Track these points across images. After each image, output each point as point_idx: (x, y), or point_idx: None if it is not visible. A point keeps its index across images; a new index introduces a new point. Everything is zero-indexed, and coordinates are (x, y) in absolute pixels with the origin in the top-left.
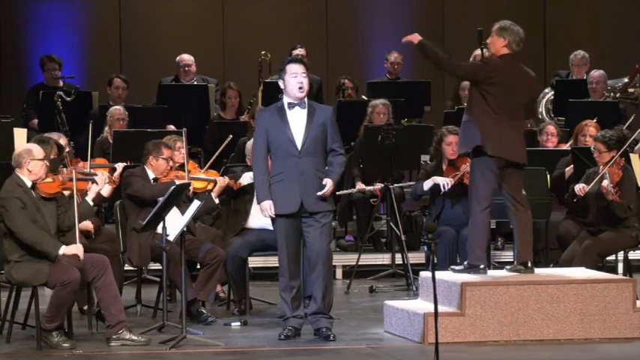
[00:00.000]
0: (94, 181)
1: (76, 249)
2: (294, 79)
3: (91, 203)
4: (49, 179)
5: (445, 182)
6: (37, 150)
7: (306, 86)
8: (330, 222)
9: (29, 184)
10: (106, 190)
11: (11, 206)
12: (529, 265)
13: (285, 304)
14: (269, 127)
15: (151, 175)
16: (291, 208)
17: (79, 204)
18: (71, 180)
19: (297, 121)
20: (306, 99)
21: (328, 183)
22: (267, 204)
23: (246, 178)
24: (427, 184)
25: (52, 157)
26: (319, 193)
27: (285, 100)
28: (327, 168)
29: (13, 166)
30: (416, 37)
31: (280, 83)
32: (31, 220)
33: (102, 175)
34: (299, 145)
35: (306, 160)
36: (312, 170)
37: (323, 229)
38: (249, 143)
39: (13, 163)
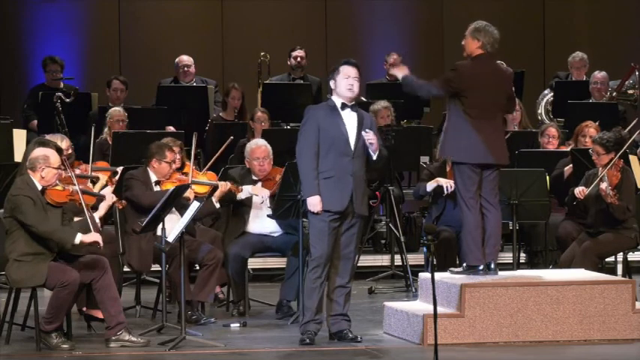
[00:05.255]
0: (102, 198)
1: (94, 236)
2: (346, 81)
3: (98, 221)
4: (59, 187)
5: (448, 184)
6: (54, 158)
7: (356, 89)
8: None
9: (39, 187)
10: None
11: (23, 203)
12: (492, 266)
13: (310, 304)
14: (321, 124)
15: (153, 178)
16: (341, 206)
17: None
18: (83, 193)
19: (350, 122)
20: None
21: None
22: (316, 199)
23: (245, 193)
24: (430, 186)
25: None
26: (366, 134)
27: (337, 100)
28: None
29: (27, 167)
30: (401, 71)
31: (331, 84)
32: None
33: (109, 195)
34: (353, 145)
35: (357, 161)
36: (361, 172)
37: (357, 233)
38: (249, 145)
39: (28, 164)
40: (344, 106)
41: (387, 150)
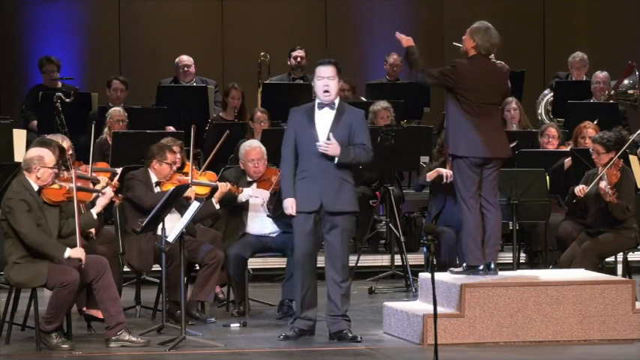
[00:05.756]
0: (101, 193)
1: (80, 252)
2: (320, 82)
3: (95, 217)
4: (55, 186)
5: (448, 173)
6: (49, 158)
7: (332, 89)
8: (352, 224)
9: (36, 188)
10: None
11: (17, 208)
12: (492, 266)
13: (295, 303)
14: (297, 127)
15: (154, 179)
16: (311, 206)
17: (82, 214)
18: (79, 190)
19: (324, 120)
20: (337, 101)
21: (334, 143)
22: (289, 202)
23: (245, 196)
24: (430, 175)
25: None
26: (318, 144)
27: (317, 100)
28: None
29: (23, 168)
30: (407, 42)
31: (313, 84)
32: (36, 224)
33: (108, 190)
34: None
35: (328, 159)
36: (333, 170)
37: (343, 231)
38: (242, 147)
39: (23, 165)
40: (321, 105)
41: (384, 150)
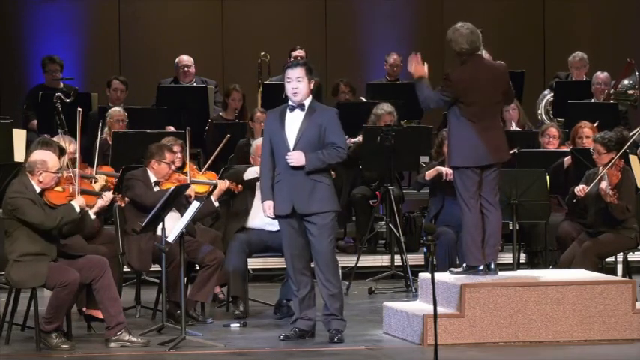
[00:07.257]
0: (99, 196)
1: (81, 200)
2: (289, 84)
3: (93, 217)
4: (58, 188)
5: (448, 171)
6: (53, 162)
7: (301, 90)
8: (331, 222)
9: (38, 190)
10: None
11: (23, 204)
12: (492, 266)
13: (293, 303)
14: (271, 130)
15: (153, 179)
16: (285, 210)
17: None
18: (82, 193)
19: (294, 122)
20: (307, 101)
21: (296, 153)
22: (267, 204)
23: (251, 173)
24: (430, 174)
25: None
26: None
27: (289, 101)
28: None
29: (26, 169)
30: (419, 71)
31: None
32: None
33: (108, 194)
34: (291, 145)
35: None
36: (303, 172)
37: (322, 230)
38: (255, 142)
39: (27, 167)
40: (292, 107)
41: (384, 150)
